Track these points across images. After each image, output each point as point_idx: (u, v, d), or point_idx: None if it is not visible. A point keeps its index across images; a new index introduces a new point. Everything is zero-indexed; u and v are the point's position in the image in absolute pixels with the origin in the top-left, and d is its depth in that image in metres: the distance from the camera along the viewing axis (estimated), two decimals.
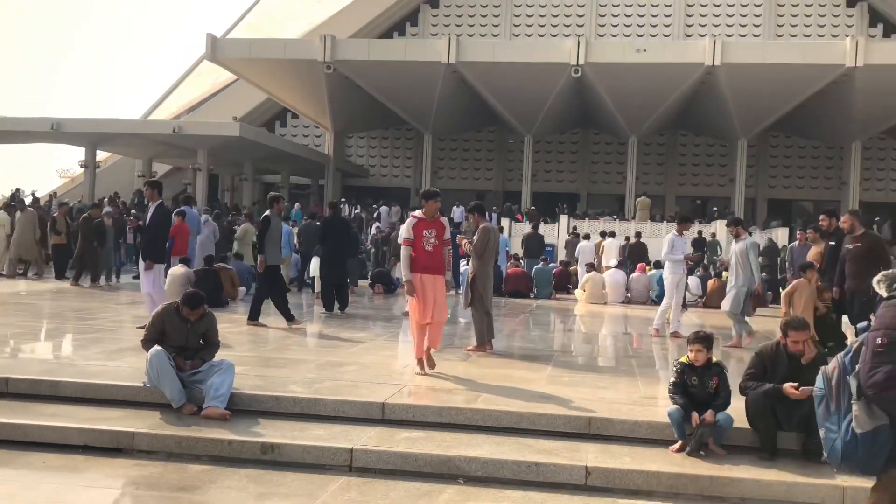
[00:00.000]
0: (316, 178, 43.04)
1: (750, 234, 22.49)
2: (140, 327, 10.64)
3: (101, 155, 39.33)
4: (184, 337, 7.17)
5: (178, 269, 13.77)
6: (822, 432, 3.40)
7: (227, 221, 23.99)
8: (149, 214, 11.64)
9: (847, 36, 34.68)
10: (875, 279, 3.57)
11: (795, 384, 6.23)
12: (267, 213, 12.46)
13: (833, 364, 3.39)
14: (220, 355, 7.37)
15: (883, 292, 3.40)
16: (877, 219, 35.31)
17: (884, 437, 3.13)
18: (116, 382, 7.36)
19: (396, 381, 7.88)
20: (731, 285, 11.99)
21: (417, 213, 8.82)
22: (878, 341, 3.13)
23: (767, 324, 13.68)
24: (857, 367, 3.23)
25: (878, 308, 3.35)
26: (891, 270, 3.84)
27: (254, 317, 12.07)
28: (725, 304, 12.08)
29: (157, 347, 6.96)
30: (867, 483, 5.72)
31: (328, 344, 10.69)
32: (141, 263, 11.46)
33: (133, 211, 24.32)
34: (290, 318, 11.96)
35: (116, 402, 7.05)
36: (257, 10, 53.23)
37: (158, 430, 6.42)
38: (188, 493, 5.44)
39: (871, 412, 3.17)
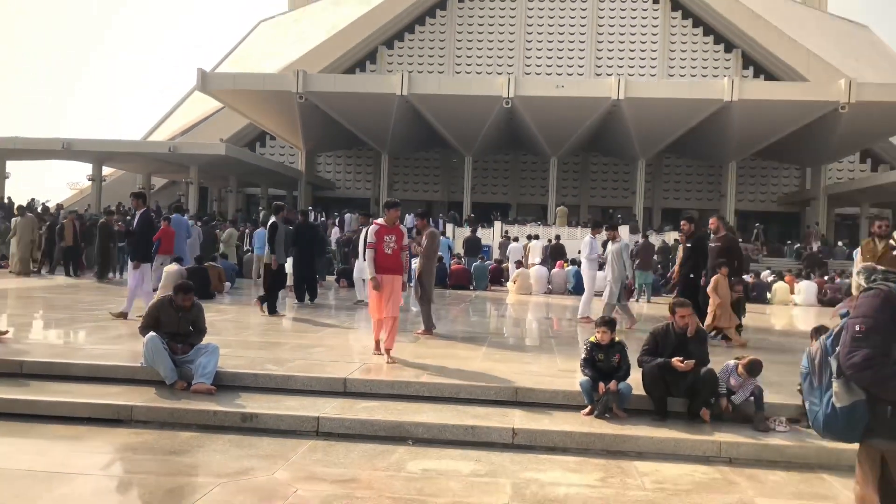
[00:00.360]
0: (290, 190, 42.53)
1: (646, 236, 22.90)
2: (117, 314, 10.41)
3: (106, 170, 38.37)
4: (176, 324, 7.04)
5: (172, 267, 13.51)
6: (806, 405, 3.37)
7: (211, 226, 23.49)
8: (135, 221, 11.32)
9: (725, 76, 35.46)
10: (855, 271, 3.60)
11: (681, 358, 6.35)
12: (273, 219, 12.23)
13: (816, 346, 3.35)
14: (207, 340, 7.24)
15: (862, 283, 3.41)
16: (757, 224, 36.22)
17: (860, 410, 3.10)
18: (117, 363, 7.20)
19: (356, 360, 7.82)
20: (608, 280, 12.01)
21: (380, 220, 8.45)
22: (857, 328, 3.12)
23: (664, 310, 13.90)
24: (837, 349, 3.23)
25: (859, 298, 3.36)
26: (868, 263, 3.86)
27: (272, 310, 11.86)
28: (605, 295, 12.15)
29: (152, 333, 6.81)
30: (739, 439, 5.89)
31: (300, 329, 10.58)
32: (129, 263, 11.10)
33: (128, 217, 23.77)
34: (273, 310, 11.83)
35: (117, 380, 6.88)
36: (241, 49, 52.46)
37: (153, 404, 6.27)
38: (179, 456, 5.33)
39: (850, 389, 3.14)
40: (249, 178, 40.11)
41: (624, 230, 30.56)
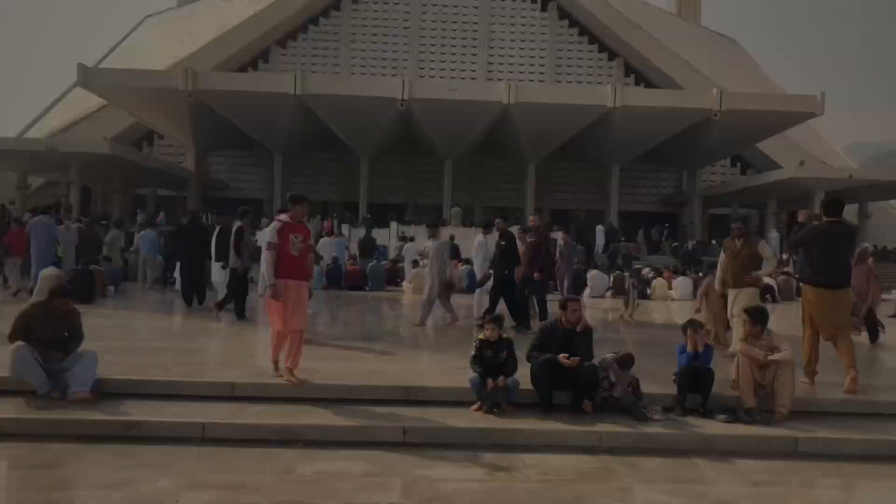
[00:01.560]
0: (181, 190, 40.91)
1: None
2: None
3: None
4: (51, 330, 6.59)
5: (49, 271, 12.75)
6: None
7: (96, 227, 22.18)
8: None
9: (608, 83, 36.83)
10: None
11: (567, 355, 6.52)
12: (240, 223, 11.83)
13: None
14: (92, 346, 6.82)
15: None
16: (667, 224, 37.78)
17: None
18: None
19: (245, 364, 7.59)
20: (428, 276, 11.94)
21: (283, 216, 7.18)
22: None
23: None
24: None
25: None
26: None
27: (241, 314, 11.49)
28: (426, 291, 12.10)
29: (18, 343, 6.34)
30: (619, 429, 6.10)
31: (187, 333, 10.19)
32: None
33: None
34: (241, 315, 11.53)
35: None
36: (126, 44, 50.02)
37: (23, 416, 5.85)
38: (52, 470, 4.99)
39: None
40: (136, 179, 38.27)
41: (515, 230, 31.23)
